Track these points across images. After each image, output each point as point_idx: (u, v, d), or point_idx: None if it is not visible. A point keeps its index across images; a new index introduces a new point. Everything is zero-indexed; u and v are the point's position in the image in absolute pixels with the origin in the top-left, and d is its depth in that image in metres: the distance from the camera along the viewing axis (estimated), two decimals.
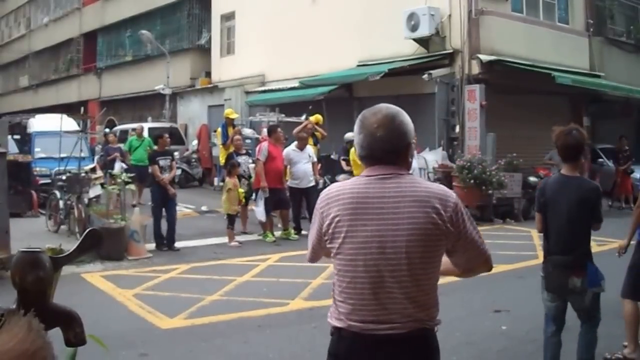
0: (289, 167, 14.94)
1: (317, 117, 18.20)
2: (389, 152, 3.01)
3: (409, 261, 2.90)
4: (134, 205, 17.28)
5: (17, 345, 1.35)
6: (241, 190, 14.65)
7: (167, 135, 15.01)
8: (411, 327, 2.93)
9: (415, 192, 2.94)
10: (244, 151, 15.94)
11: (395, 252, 2.91)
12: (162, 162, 13.61)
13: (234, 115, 18.62)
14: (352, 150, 15.51)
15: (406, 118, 3.08)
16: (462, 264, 3.15)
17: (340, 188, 3.09)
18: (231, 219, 14.23)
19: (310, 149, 15.39)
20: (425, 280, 2.96)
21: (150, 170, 13.89)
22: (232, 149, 16.12)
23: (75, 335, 2.21)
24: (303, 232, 14.52)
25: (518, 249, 12.57)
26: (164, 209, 13.50)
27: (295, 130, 15.71)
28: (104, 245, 12.11)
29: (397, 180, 2.98)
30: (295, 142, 15.14)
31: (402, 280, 2.92)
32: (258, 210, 14.52)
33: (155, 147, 14.84)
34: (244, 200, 14.86)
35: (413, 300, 2.93)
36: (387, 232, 2.92)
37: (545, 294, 5.84)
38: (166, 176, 13.52)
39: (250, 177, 15.13)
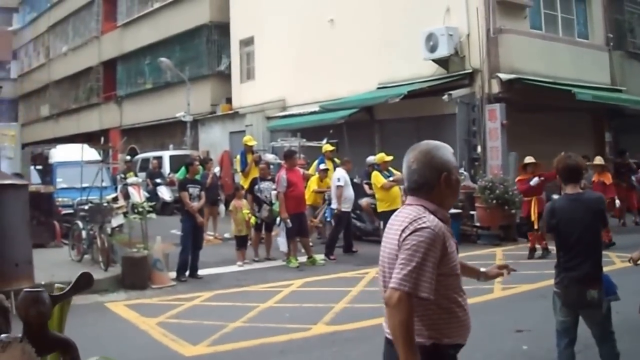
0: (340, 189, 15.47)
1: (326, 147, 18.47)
2: (421, 184, 3.46)
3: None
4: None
5: None
6: (246, 211, 14.67)
7: (197, 163, 15.05)
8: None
9: (398, 220, 3.41)
10: (269, 177, 15.86)
11: (384, 275, 3.42)
12: (191, 190, 13.67)
13: (252, 142, 18.61)
14: (374, 173, 15.50)
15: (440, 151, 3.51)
16: None
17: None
18: (238, 240, 14.69)
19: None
20: None
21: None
22: (256, 174, 16.09)
23: None
24: (331, 257, 14.75)
25: (541, 268, 12.43)
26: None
27: None
28: (128, 274, 12.24)
29: (401, 209, 3.50)
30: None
31: None
32: (281, 241, 14.61)
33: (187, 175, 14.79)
34: (253, 222, 14.86)
35: None
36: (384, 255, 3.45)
37: (558, 309, 6.01)
38: (195, 204, 13.58)
39: (272, 203, 15.05)
